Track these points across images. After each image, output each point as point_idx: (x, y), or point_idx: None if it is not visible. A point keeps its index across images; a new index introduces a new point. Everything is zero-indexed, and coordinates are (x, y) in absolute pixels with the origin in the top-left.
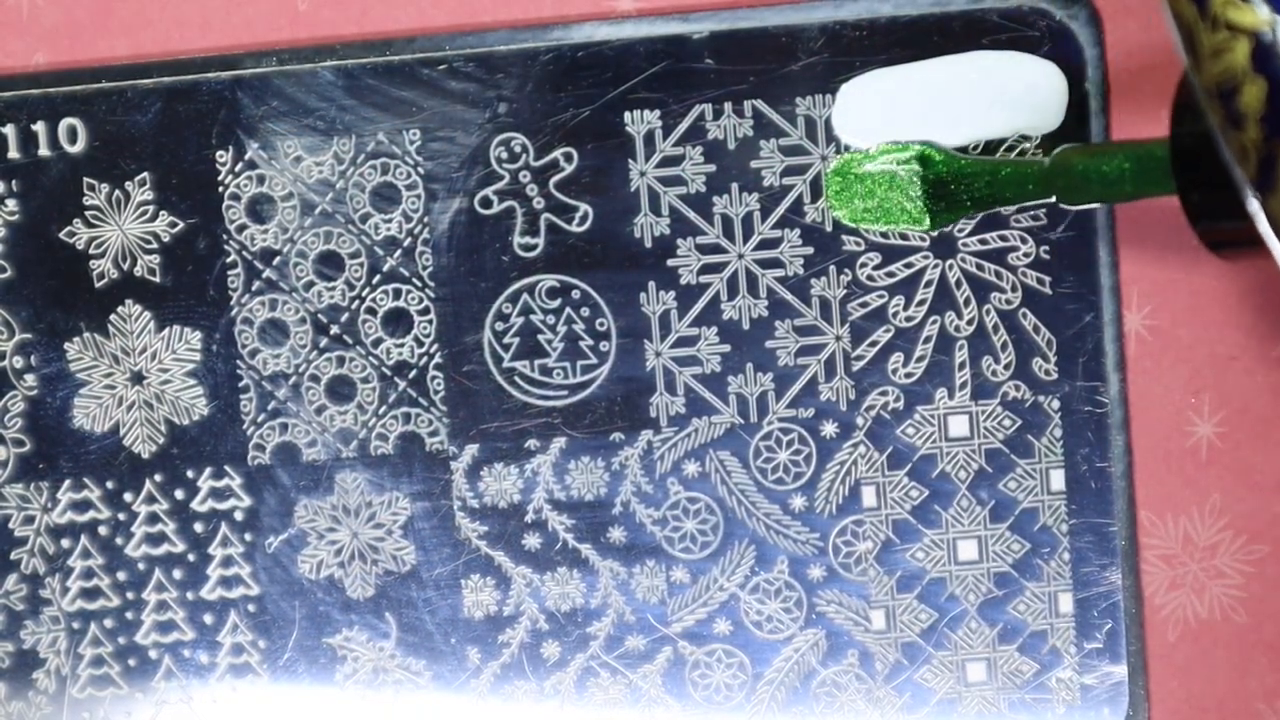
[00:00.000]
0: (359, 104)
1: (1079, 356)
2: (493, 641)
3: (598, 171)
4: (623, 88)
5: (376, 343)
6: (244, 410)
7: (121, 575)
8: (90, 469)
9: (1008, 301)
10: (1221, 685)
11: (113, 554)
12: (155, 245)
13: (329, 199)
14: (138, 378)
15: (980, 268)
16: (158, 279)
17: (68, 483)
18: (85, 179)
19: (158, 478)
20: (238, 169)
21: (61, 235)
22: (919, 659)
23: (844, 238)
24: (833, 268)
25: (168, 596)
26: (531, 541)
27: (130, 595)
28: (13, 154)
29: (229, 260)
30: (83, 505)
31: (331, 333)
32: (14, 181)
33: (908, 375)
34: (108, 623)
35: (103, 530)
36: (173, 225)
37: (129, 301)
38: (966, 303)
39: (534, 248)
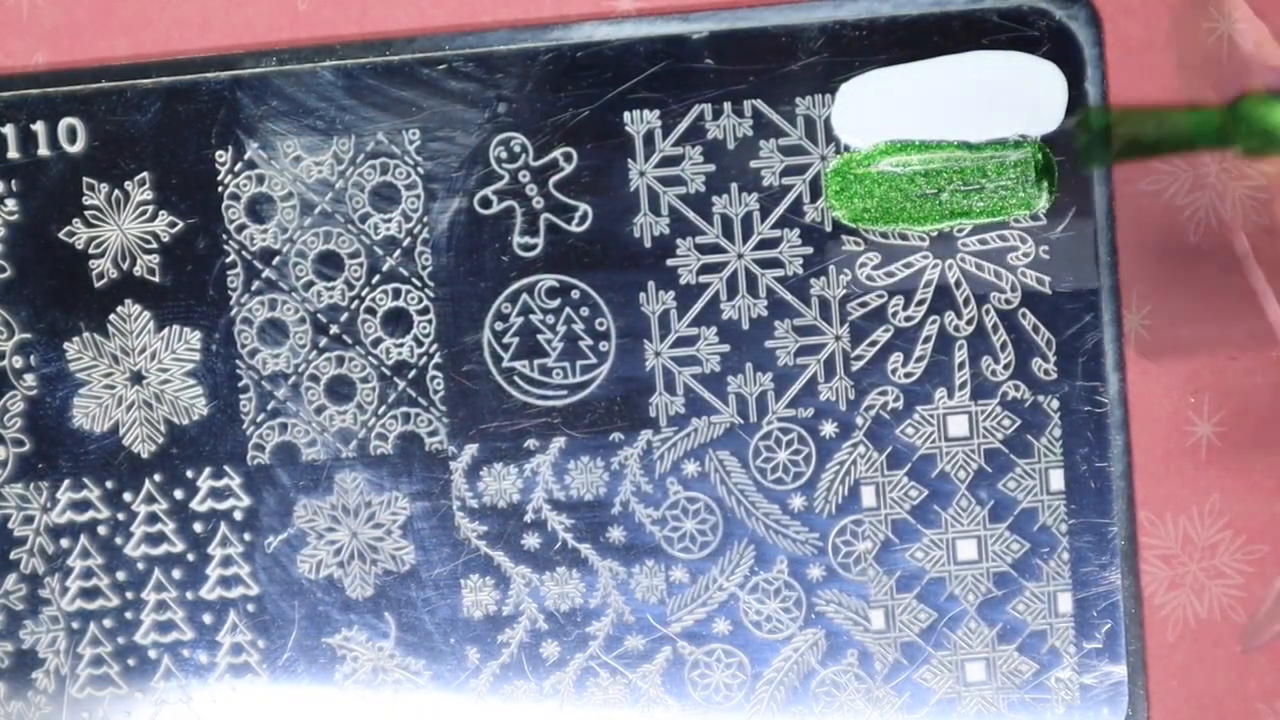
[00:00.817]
0: (359, 104)
1: (1079, 356)
2: (492, 641)
3: (597, 171)
4: (622, 88)
5: (376, 342)
6: (243, 410)
7: (121, 575)
8: (90, 469)
9: (1007, 301)
10: (1221, 685)
11: (112, 554)
12: (155, 245)
13: (328, 199)
14: (137, 377)
15: (980, 268)
16: (157, 279)
17: (67, 482)
18: (85, 179)
19: (157, 477)
20: (237, 169)
21: (61, 235)
22: (918, 659)
23: (844, 237)
24: (832, 268)
25: (167, 596)
26: (531, 541)
27: (129, 595)
28: (12, 154)
29: (228, 260)
30: (82, 505)
31: (331, 332)
32: (13, 181)
33: (907, 375)
34: (107, 622)
35: (102, 530)
36: (172, 225)
37: (128, 301)
38: (966, 303)
39: (534, 248)
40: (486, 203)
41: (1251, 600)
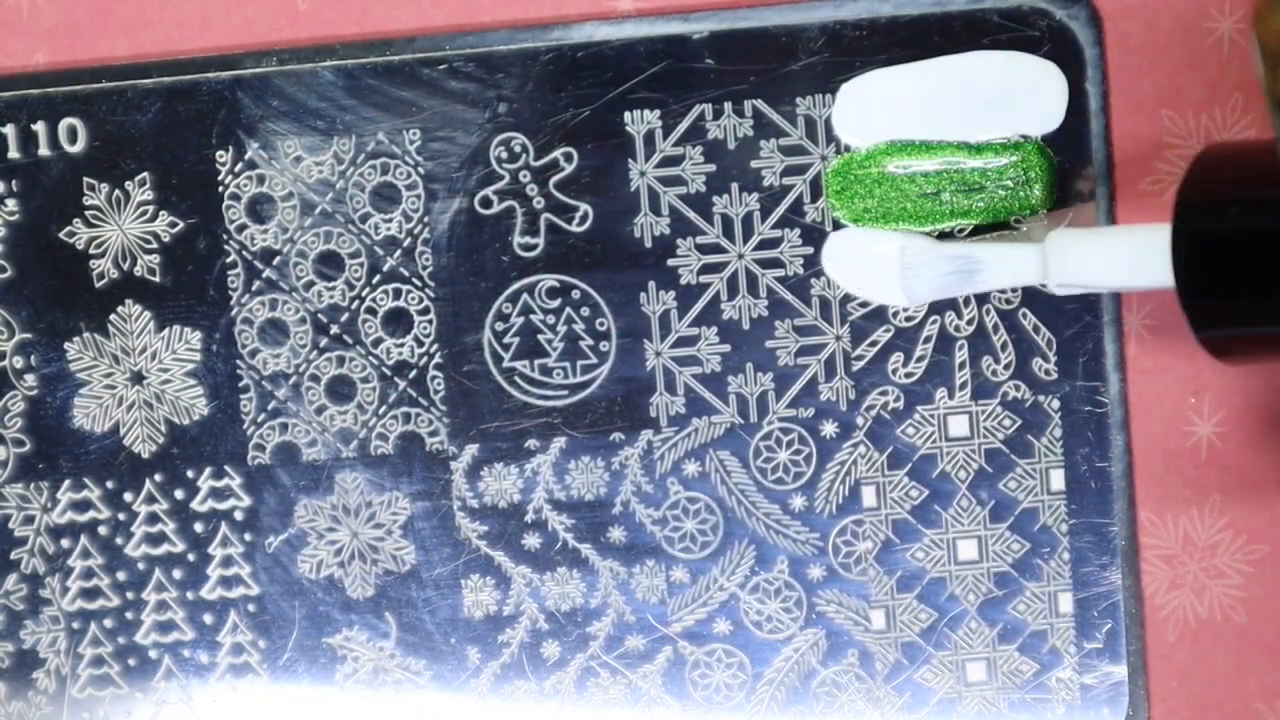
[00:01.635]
0: (359, 104)
1: (1079, 356)
2: (493, 641)
3: (598, 171)
4: (623, 88)
5: (376, 342)
6: (244, 410)
7: (121, 575)
8: (90, 469)
9: (1008, 301)
10: (1221, 685)
11: (112, 554)
12: (155, 245)
13: (329, 199)
14: (138, 378)
15: None
16: (158, 279)
17: (68, 483)
18: (85, 179)
19: (158, 477)
20: (238, 169)
21: (61, 235)
22: (919, 659)
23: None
24: None
25: (167, 596)
26: (531, 541)
27: (130, 595)
28: (13, 154)
29: (229, 260)
30: (83, 505)
31: (331, 332)
32: (14, 181)
33: (908, 375)
34: (107, 622)
35: (102, 530)
36: (173, 225)
37: (129, 301)
38: (966, 303)
39: (534, 248)
40: (487, 203)
41: (1251, 600)
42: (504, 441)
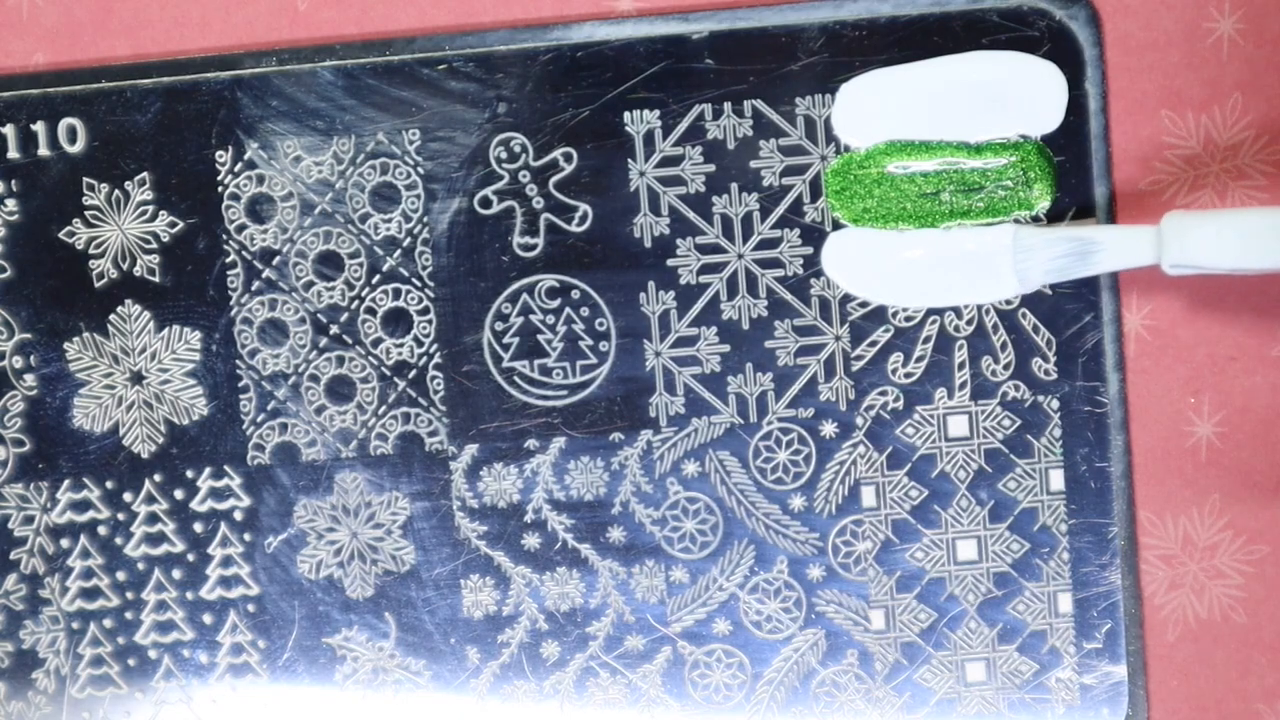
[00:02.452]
0: (359, 104)
1: (1079, 356)
2: (492, 641)
3: (597, 171)
4: (622, 88)
5: (376, 343)
6: (243, 410)
7: (121, 575)
8: (90, 469)
9: (1007, 301)
10: (1221, 685)
11: (112, 554)
12: (155, 245)
13: (328, 199)
14: (137, 378)
15: None
16: (157, 279)
17: (67, 483)
18: (85, 179)
19: (157, 478)
20: (237, 169)
21: (61, 235)
22: (918, 659)
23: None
24: None
25: (167, 596)
26: (531, 541)
27: (130, 595)
28: (12, 154)
29: (228, 260)
30: (82, 505)
31: (331, 333)
32: (14, 181)
33: (907, 375)
34: (107, 623)
35: (102, 530)
36: (172, 225)
37: (128, 301)
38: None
39: (534, 248)
40: (486, 203)
41: (1251, 600)
42: (503, 441)
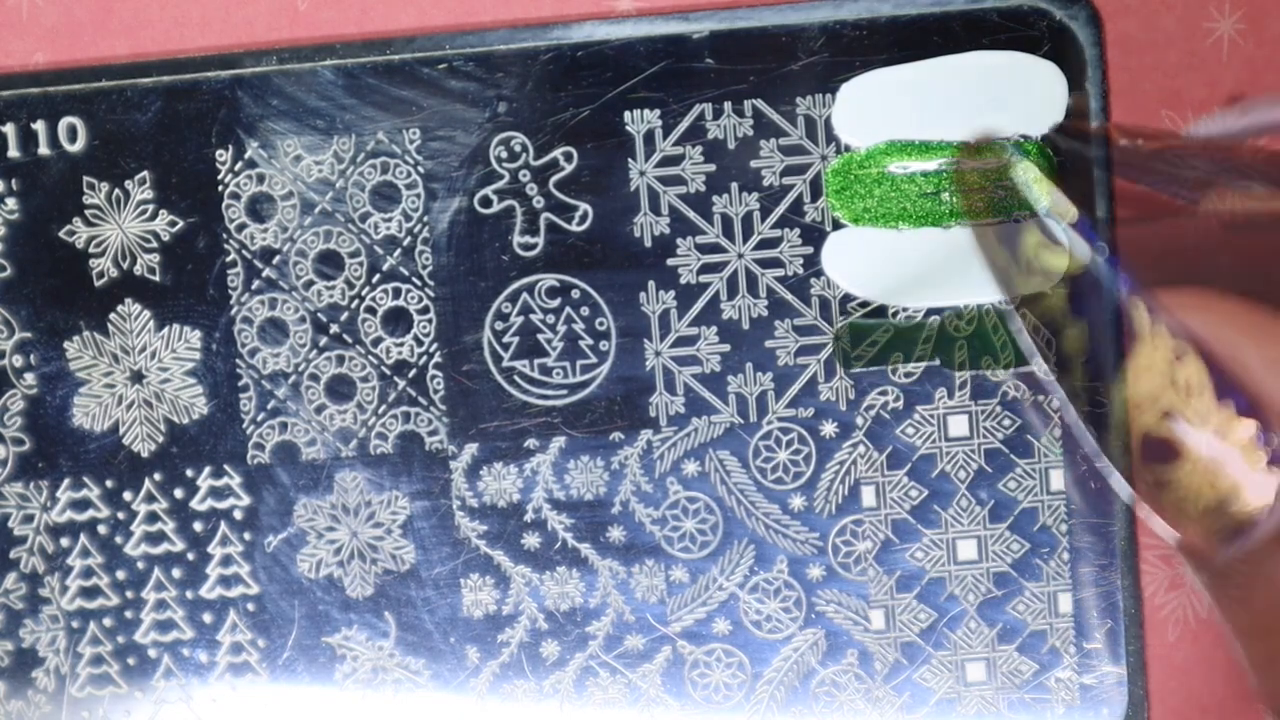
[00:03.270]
0: (359, 103)
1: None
2: (492, 640)
3: (597, 171)
4: (623, 87)
5: (376, 342)
6: (243, 409)
7: (121, 574)
8: (90, 468)
9: (1007, 301)
10: (1221, 685)
11: (112, 553)
12: (155, 244)
13: (329, 198)
14: (137, 376)
15: None
16: (157, 278)
17: (67, 481)
18: (85, 178)
19: (157, 476)
20: (237, 168)
21: (61, 234)
22: (918, 659)
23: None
24: None
25: (167, 595)
26: (531, 541)
27: (129, 594)
28: (12, 153)
29: (229, 259)
30: (82, 504)
31: (331, 332)
32: (14, 180)
33: (907, 375)
34: (107, 621)
35: (102, 529)
36: (172, 224)
37: (128, 300)
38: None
39: (534, 247)
40: (487, 202)
41: None
42: (503, 441)
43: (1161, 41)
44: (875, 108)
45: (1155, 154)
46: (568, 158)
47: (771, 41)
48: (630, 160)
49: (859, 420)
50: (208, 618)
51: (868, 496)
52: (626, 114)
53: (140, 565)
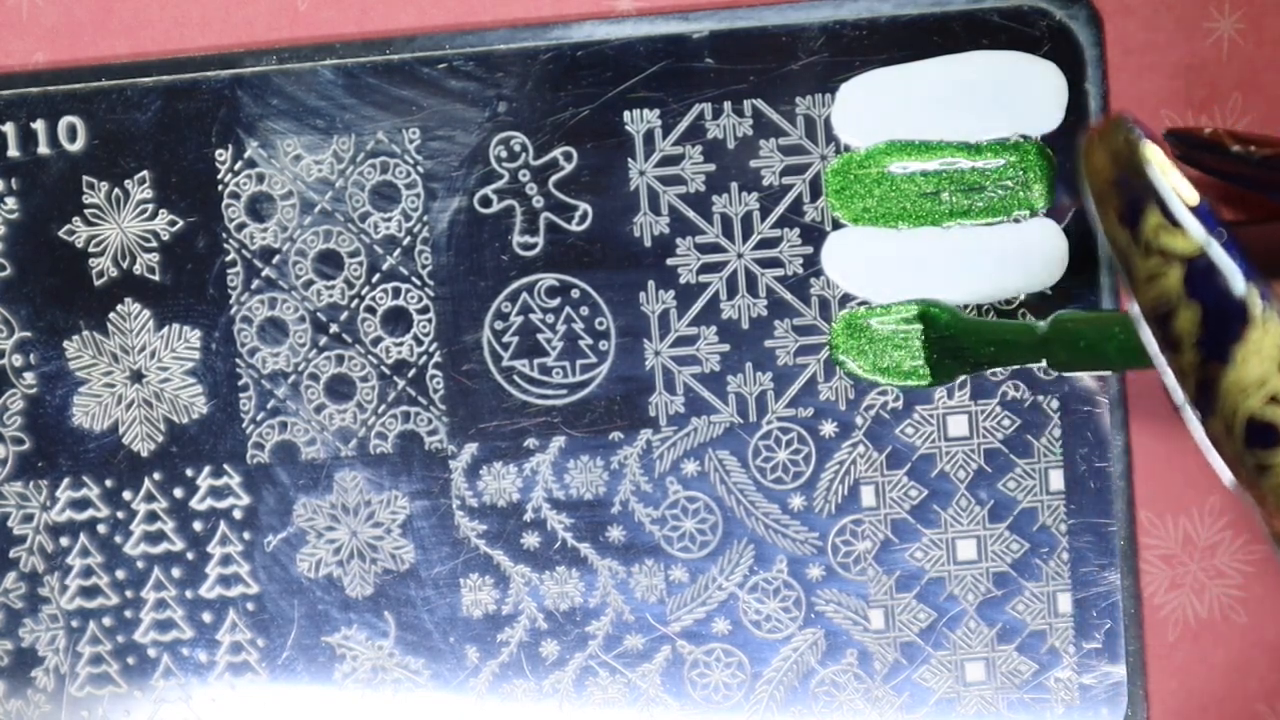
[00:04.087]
0: (359, 103)
1: None
2: (491, 640)
3: (597, 171)
4: (622, 87)
5: (376, 341)
6: (243, 409)
7: (120, 573)
8: (89, 467)
9: (1007, 302)
10: (1221, 685)
11: (111, 552)
12: (154, 243)
13: (328, 197)
14: (137, 376)
15: None
16: (157, 277)
17: (67, 481)
18: (85, 177)
19: (157, 476)
20: (237, 167)
21: (61, 234)
22: (918, 659)
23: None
24: None
25: (166, 595)
26: (530, 540)
27: (129, 593)
28: (12, 152)
29: (228, 259)
30: (82, 503)
31: (331, 331)
32: (13, 180)
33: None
34: (106, 621)
35: (101, 528)
36: (172, 223)
37: (128, 300)
38: (965, 304)
39: (533, 247)
40: (486, 202)
41: (1251, 600)
42: (503, 440)
43: (1161, 41)
44: (875, 108)
45: (1266, 160)
46: (567, 157)
47: (771, 41)
48: (630, 160)
49: (858, 420)
50: (207, 617)
51: (867, 496)
52: (626, 114)
53: (140, 565)
